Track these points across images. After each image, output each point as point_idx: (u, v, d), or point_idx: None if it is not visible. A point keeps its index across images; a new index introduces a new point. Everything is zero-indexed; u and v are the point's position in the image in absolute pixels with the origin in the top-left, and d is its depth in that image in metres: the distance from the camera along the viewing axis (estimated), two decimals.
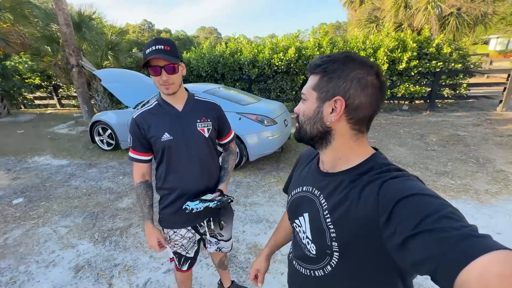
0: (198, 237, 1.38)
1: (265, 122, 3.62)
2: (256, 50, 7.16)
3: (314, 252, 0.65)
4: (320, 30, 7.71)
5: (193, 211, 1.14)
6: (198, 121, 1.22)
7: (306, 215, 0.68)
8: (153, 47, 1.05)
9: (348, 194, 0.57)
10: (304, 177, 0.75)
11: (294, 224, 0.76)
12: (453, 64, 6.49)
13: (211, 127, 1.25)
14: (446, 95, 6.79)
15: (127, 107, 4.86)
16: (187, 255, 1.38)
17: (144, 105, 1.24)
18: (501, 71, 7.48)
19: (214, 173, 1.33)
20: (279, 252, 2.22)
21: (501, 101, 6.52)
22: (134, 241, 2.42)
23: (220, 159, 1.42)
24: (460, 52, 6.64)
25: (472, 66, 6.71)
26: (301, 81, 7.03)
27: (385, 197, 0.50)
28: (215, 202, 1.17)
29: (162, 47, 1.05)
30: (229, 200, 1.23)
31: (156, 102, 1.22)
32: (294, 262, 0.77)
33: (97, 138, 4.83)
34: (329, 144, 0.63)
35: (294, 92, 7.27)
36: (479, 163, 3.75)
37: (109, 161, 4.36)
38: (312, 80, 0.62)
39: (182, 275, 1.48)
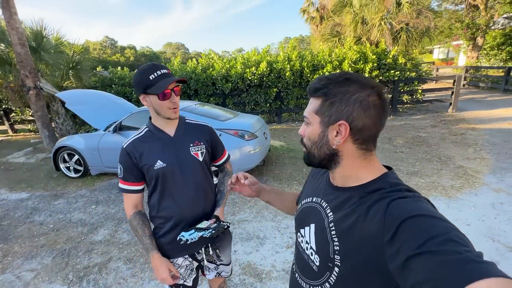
0: (196, 264, 1.31)
1: (246, 137, 3.63)
2: (228, 65, 7.25)
3: (317, 264, 0.66)
4: (287, 44, 8.09)
5: (188, 242, 1.09)
6: (191, 145, 1.19)
7: (312, 225, 0.69)
8: (159, 72, 1.04)
9: (355, 210, 0.58)
10: (315, 188, 0.76)
11: (298, 234, 0.76)
12: (408, 73, 7.21)
13: (204, 150, 1.23)
14: (405, 101, 7.47)
15: (95, 129, 4.54)
16: (185, 283, 1.29)
17: (132, 136, 1.19)
18: (448, 77, 8.46)
19: (210, 195, 1.30)
20: (274, 269, 2.19)
21: (450, 103, 7.34)
22: (116, 276, 2.21)
23: (215, 181, 1.38)
24: (413, 62, 7.42)
25: (424, 74, 7.51)
26: (274, 94, 7.24)
27: (392, 215, 0.50)
28: (210, 230, 1.11)
29: (166, 70, 1.05)
30: (225, 227, 1.18)
31: (147, 128, 1.18)
32: (296, 275, 0.77)
33: (62, 166, 4.41)
34: (338, 164, 0.64)
35: (268, 105, 7.45)
36: (442, 161, 4.13)
37: (78, 190, 3.99)
38: (314, 104, 0.63)
39: None
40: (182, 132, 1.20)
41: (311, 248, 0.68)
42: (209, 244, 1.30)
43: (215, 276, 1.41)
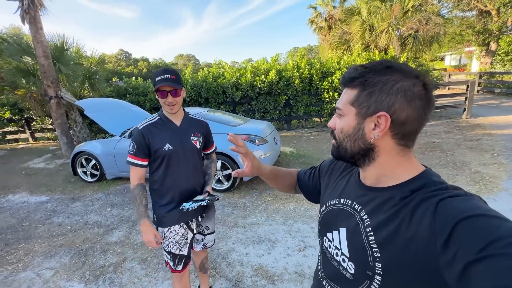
0: (190, 235, 1.55)
1: (257, 142, 3.68)
2: (238, 74, 7.42)
3: (352, 272, 0.59)
4: (295, 53, 8.21)
5: (189, 210, 1.40)
6: (192, 135, 1.50)
7: (343, 230, 0.62)
8: (162, 76, 1.32)
9: (398, 212, 0.51)
10: (342, 188, 0.69)
11: (324, 238, 0.70)
12: None
13: (201, 141, 1.54)
14: None
15: (111, 135, 4.72)
16: (181, 252, 1.50)
17: (146, 121, 1.48)
18: (460, 82, 8.32)
19: (200, 175, 1.59)
20: (286, 272, 2.18)
21: (464, 109, 7.18)
22: (131, 276, 2.25)
23: (204, 165, 1.70)
24: (423, 68, 7.36)
25: (435, 79, 7.42)
26: (283, 101, 7.32)
27: (443, 217, 0.44)
28: (206, 200, 1.46)
29: (169, 76, 1.32)
30: (216, 198, 1.54)
31: (159, 117, 1.47)
32: (324, 282, 0.69)
33: (79, 170, 4.59)
34: (373, 161, 0.58)
35: (277, 112, 7.52)
36: (457, 166, 4.03)
37: (94, 194, 4.12)
38: (349, 94, 0.57)
39: (178, 276, 1.54)
40: (186, 124, 1.50)
41: (342, 254, 0.62)
42: (198, 216, 1.59)
43: (201, 248, 1.68)
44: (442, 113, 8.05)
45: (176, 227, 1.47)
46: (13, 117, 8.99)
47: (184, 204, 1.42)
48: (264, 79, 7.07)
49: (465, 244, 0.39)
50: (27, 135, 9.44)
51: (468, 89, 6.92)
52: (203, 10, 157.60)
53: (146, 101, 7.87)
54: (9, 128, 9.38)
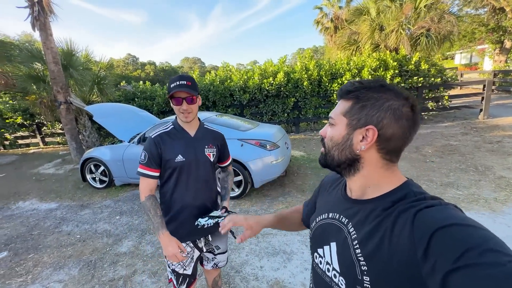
0: (197, 253, 1.44)
1: (268, 147, 3.57)
2: (245, 77, 7.33)
3: (343, 287, 0.59)
4: (302, 54, 8.08)
5: (205, 227, 1.30)
6: (206, 146, 1.40)
7: (333, 244, 0.63)
8: (178, 82, 1.24)
9: (380, 224, 0.53)
10: (330, 203, 0.71)
11: (316, 254, 0.70)
12: (433, 79, 6.91)
13: (215, 153, 1.44)
14: (430, 108, 7.13)
15: (120, 141, 4.69)
16: (185, 272, 1.40)
17: (159, 129, 1.38)
18: (475, 82, 8.03)
19: (212, 190, 1.48)
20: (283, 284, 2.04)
21: (481, 110, 6.91)
22: None
23: (220, 179, 1.62)
24: (437, 67, 7.12)
25: (449, 79, 7.17)
26: (292, 104, 7.19)
27: (420, 228, 0.46)
28: (223, 218, 1.29)
29: (185, 82, 1.24)
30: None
31: (172, 126, 1.37)
32: None
33: (88, 176, 4.56)
34: (357, 172, 0.60)
35: (285, 115, 7.39)
36: (479, 171, 3.82)
37: (103, 200, 4.07)
38: (343, 105, 0.60)
39: None
40: (201, 134, 1.41)
41: (333, 269, 0.62)
42: (209, 235, 1.47)
43: (212, 267, 1.55)
44: (457, 113, 7.78)
45: (182, 245, 1.36)
46: (25, 122, 9.13)
47: (200, 219, 1.31)
48: (272, 82, 6.97)
49: (442, 254, 0.41)
50: (38, 140, 9.58)
51: (485, 88, 6.65)
52: (208, 13, 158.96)
53: (154, 105, 7.87)
54: (21, 133, 9.54)
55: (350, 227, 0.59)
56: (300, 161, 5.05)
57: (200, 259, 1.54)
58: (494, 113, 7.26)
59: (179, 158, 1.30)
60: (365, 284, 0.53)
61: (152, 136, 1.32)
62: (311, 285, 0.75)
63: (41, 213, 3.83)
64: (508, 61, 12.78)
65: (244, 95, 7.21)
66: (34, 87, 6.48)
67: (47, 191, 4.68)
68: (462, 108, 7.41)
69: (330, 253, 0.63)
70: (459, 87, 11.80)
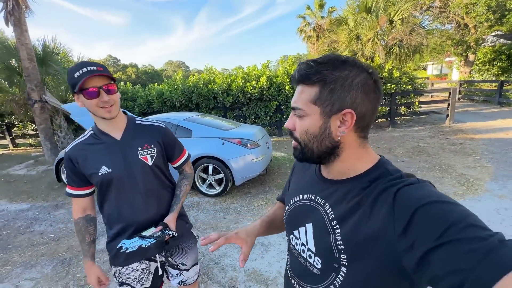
0: (154, 265, 1.22)
1: (249, 145, 3.67)
2: (229, 80, 7.45)
3: (319, 266, 0.59)
4: (285, 60, 8.36)
5: (127, 251, 1.00)
6: (140, 148, 1.11)
7: (309, 225, 0.62)
8: (85, 69, 0.94)
9: (359, 203, 0.53)
10: (304, 184, 0.69)
11: (291, 236, 0.69)
12: (404, 86, 7.42)
13: (155, 154, 1.14)
14: (402, 113, 7.62)
15: None
16: (144, 286, 1.20)
17: (78, 139, 1.12)
18: (443, 90, 8.68)
19: (163, 202, 1.20)
20: (280, 275, 2.14)
21: (447, 115, 7.49)
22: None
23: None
24: (408, 76, 7.65)
25: (419, 87, 7.73)
26: (274, 107, 7.38)
27: (401, 206, 0.46)
28: (150, 240, 1.01)
29: (95, 67, 0.95)
30: (171, 235, 1.08)
31: (91, 131, 1.10)
32: (293, 281, 0.68)
33: (63, 176, 4.40)
34: (337, 157, 0.58)
35: (268, 118, 7.56)
36: (443, 169, 4.16)
37: None
38: (308, 92, 0.55)
39: None
40: (131, 135, 1.11)
41: (309, 250, 0.62)
42: (163, 251, 1.20)
43: (179, 284, 1.29)
44: (427, 119, 8.35)
45: (134, 264, 1.17)
46: None
47: (124, 241, 1.04)
48: (255, 85, 7.13)
49: (424, 232, 0.41)
50: (7, 141, 9.04)
51: (451, 96, 7.23)
52: (193, 18, 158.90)
53: (135, 106, 7.75)
54: None
55: (327, 207, 0.58)
56: (281, 161, 5.20)
57: (166, 271, 1.30)
58: (459, 119, 7.88)
59: (104, 169, 1.05)
60: (342, 262, 0.54)
61: (66, 151, 1.08)
62: (287, 267, 0.74)
63: (10, 213, 3.65)
64: (472, 73, 13.93)
65: (227, 98, 7.30)
66: (6, 83, 6.19)
67: (17, 192, 4.45)
68: (431, 113, 7.99)
69: (306, 234, 0.62)
70: (430, 95, 12.68)
